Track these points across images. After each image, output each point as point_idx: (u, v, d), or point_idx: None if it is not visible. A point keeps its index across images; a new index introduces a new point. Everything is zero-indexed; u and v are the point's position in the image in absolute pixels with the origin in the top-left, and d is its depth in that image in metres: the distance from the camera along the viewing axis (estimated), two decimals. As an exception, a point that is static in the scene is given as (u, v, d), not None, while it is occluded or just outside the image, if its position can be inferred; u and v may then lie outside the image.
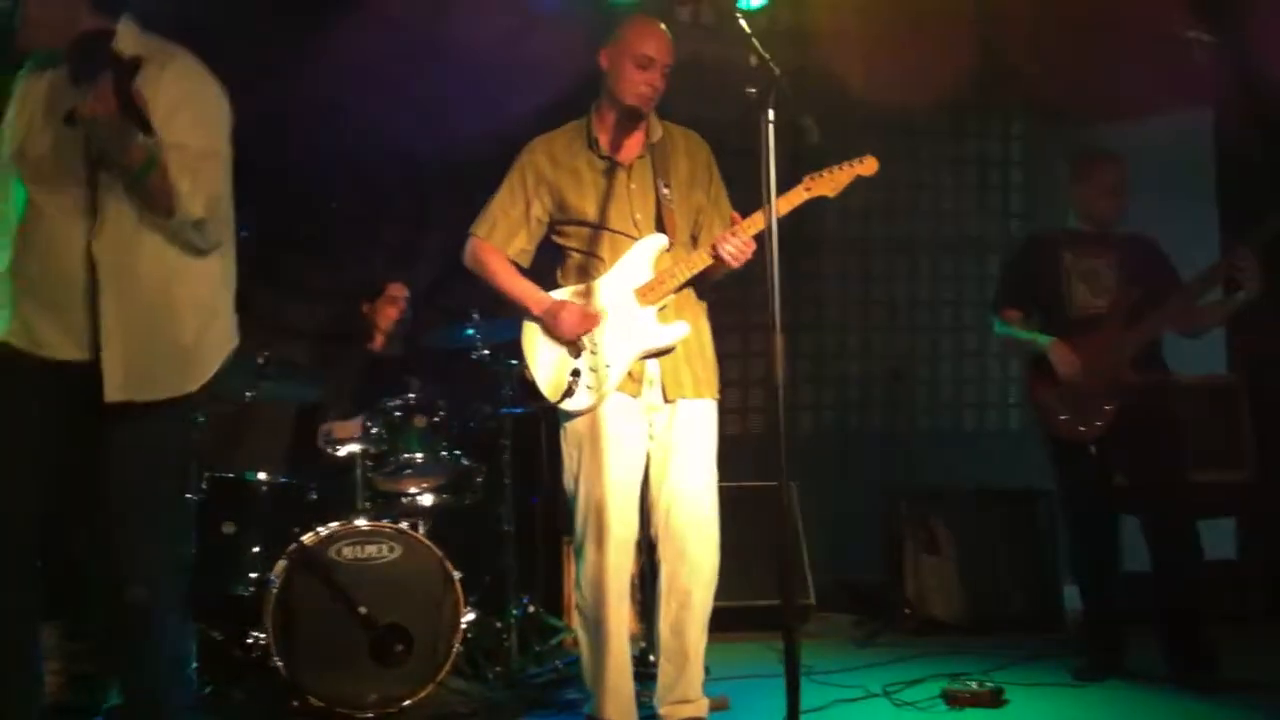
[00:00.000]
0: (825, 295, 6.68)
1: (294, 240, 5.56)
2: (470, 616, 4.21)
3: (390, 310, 5.34)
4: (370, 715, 3.93)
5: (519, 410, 4.70)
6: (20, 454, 2.70)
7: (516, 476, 4.77)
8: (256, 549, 4.29)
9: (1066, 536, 4.66)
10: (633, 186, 3.64)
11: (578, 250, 3.67)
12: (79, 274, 2.66)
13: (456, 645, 4.05)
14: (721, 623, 3.81)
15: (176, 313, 2.75)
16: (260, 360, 4.38)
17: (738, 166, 3.70)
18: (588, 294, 3.61)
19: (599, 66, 3.66)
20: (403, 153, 5.53)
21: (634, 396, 3.59)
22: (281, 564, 4.00)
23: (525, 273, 3.70)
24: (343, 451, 4.44)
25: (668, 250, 3.63)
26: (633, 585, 3.90)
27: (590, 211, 3.63)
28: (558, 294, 3.65)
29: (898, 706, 4.04)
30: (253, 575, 4.24)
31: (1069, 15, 5.68)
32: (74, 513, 2.83)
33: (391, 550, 4.10)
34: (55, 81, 2.73)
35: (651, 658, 3.83)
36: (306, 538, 4.04)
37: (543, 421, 4.82)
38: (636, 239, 3.62)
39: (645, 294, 3.59)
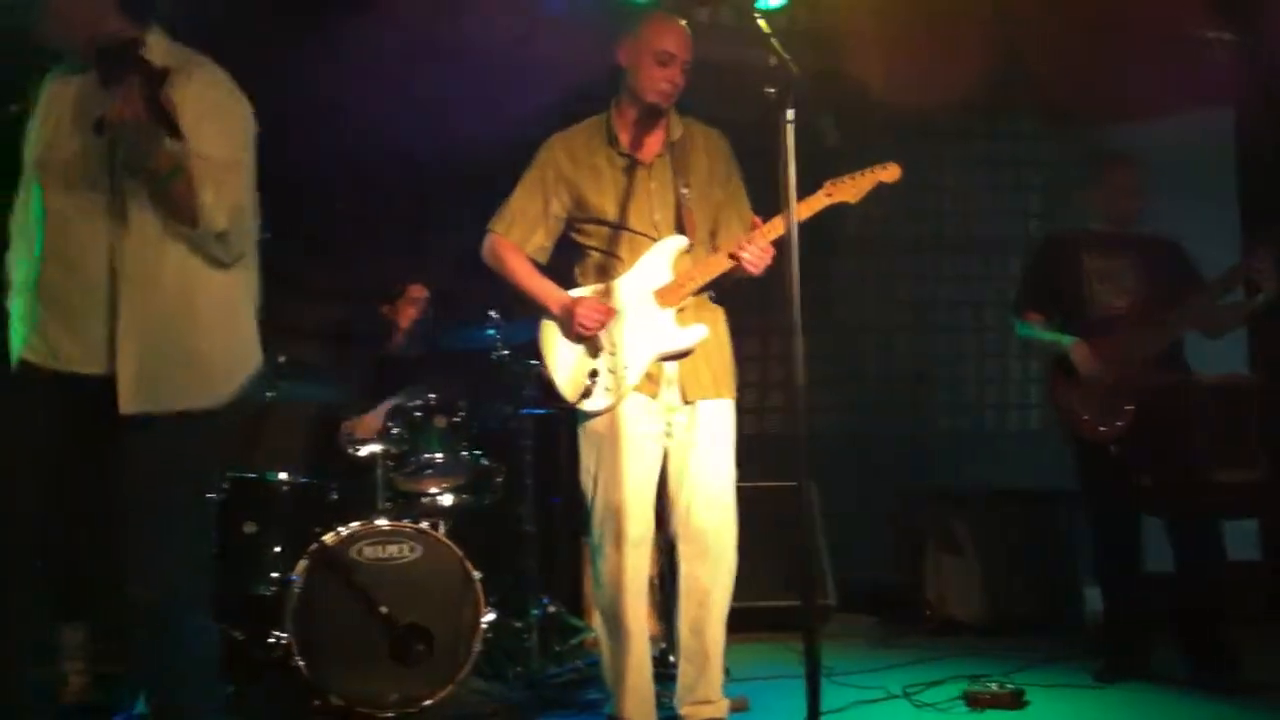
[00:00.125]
0: (844, 296, 6.67)
1: (312, 241, 5.57)
2: (491, 616, 4.22)
3: (410, 310, 5.36)
4: (391, 715, 3.94)
5: (540, 411, 4.71)
6: (28, 469, 2.68)
7: (537, 477, 4.79)
8: (278, 549, 4.31)
9: (1088, 537, 4.65)
10: (653, 185, 3.65)
11: (597, 249, 3.68)
12: (101, 283, 2.66)
13: (477, 645, 4.06)
14: (741, 623, 3.82)
15: (197, 323, 2.74)
16: (280, 361, 4.41)
17: (757, 168, 3.70)
18: (606, 294, 3.62)
19: (617, 63, 3.66)
20: (420, 153, 5.54)
21: (652, 397, 3.60)
22: (303, 564, 4.02)
23: (544, 271, 3.71)
24: (363, 451, 4.46)
25: (687, 251, 3.64)
26: (652, 586, 3.90)
27: (609, 210, 3.63)
28: (576, 293, 3.66)
29: (918, 708, 4.04)
30: (274, 575, 4.25)
31: (1088, 16, 5.66)
32: (95, 521, 2.83)
33: (412, 550, 4.11)
34: (83, 88, 2.72)
35: (671, 658, 3.83)
36: (327, 537, 4.06)
37: (563, 422, 4.82)
38: (656, 239, 3.63)
39: (664, 296, 3.59)
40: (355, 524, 4.12)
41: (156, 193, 2.65)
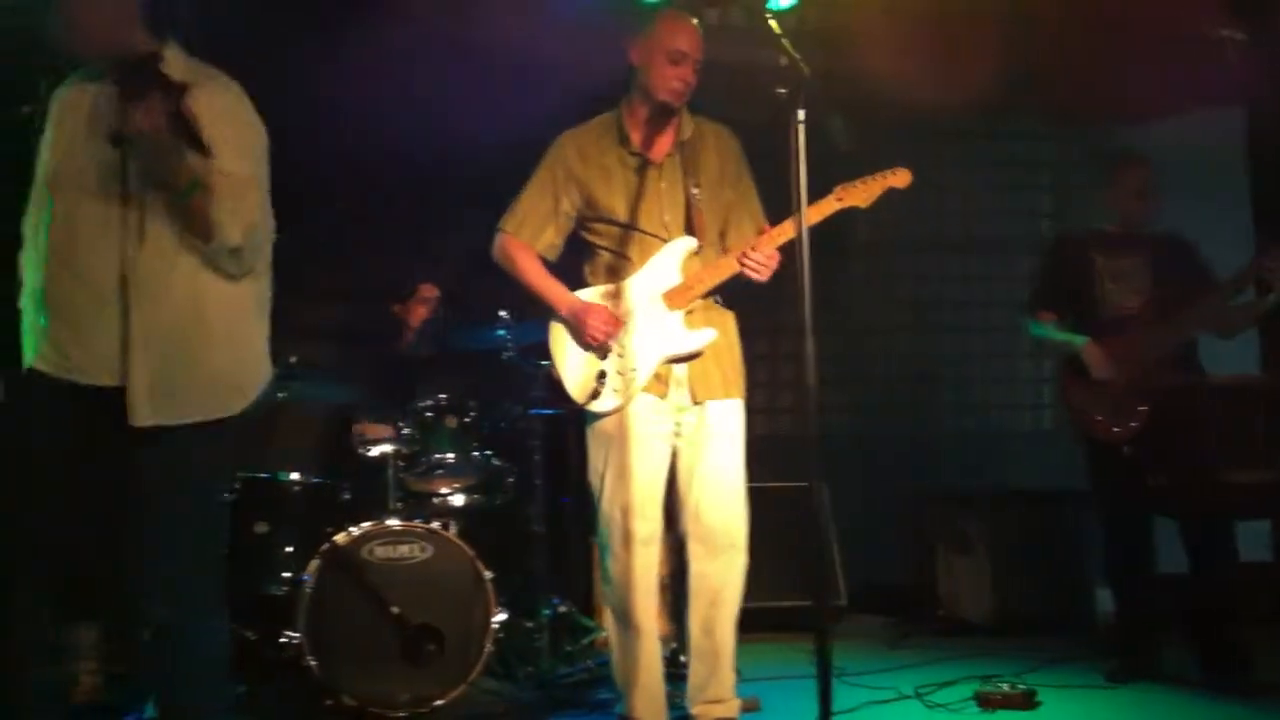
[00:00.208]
0: (853, 297, 6.66)
1: (323, 241, 5.58)
2: (502, 616, 4.23)
3: (421, 309, 5.36)
4: (402, 715, 3.94)
5: (550, 411, 4.72)
6: (35, 473, 2.68)
7: (547, 477, 4.79)
8: (289, 549, 4.31)
9: (1099, 538, 4.64)
10: (663, 185, 3.65)
11: (607, 249, 3.68)
12: (112, 294, 2.66)
13: (488, 645, 4.06)
14: (752, 624, 3.82)
15: (208, 336, 2.74)
16: (291, 361, 4.42)
17: (766, 169, 3.70)
18: (616, 295, 3.62)
19: (629, 62, 3.66)
20: (431, 153, 5.54)
21: (661, 397, 3.60)
22: (314, 564, 4.02)
23: (555, 267, 3.71)
24: (374, 452, 4.46)
25: (696, 253, 3.64)
26: (663, 585, 3.91)
27: (619, 210, 3.63)
28: (585, 293, 3.66)
29: (930, 708, 4.04)
30: (285, 575, 4.26)
31: (1099, 15, 5.65)
32: (105, 521, 2.83)
33: (423, 550, 4.11)
34: (98, 98, 2.72)
35: (682, 658, 3.83)
36: (339, 537, 4.06)
37: (573, 422, 4.83)
38: (665, 240, 3.63)
39: (673, 298, 3.59)
40: (367, 524, 4.13)
41: (174, 206, 2.66)
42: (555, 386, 3.69)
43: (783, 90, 2.87)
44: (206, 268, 2.73)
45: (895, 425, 6.55)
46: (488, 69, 5.26)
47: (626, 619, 3.57)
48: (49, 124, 2.77)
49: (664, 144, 3.67)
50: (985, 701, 3.99)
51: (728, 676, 3.63)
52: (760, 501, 3.72)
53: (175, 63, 2.70)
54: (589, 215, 3.68)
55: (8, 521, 2.70)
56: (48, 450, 2.70)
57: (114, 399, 2.66)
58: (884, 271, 6.73)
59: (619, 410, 3.57)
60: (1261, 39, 5.55)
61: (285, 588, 4.23)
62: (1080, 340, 4.44)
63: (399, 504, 4.35)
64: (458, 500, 4.61)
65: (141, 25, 2.71)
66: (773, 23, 2.97)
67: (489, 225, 3.77)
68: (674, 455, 3.64)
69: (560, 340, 3.67)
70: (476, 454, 4.59)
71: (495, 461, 4.65)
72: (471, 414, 4.59)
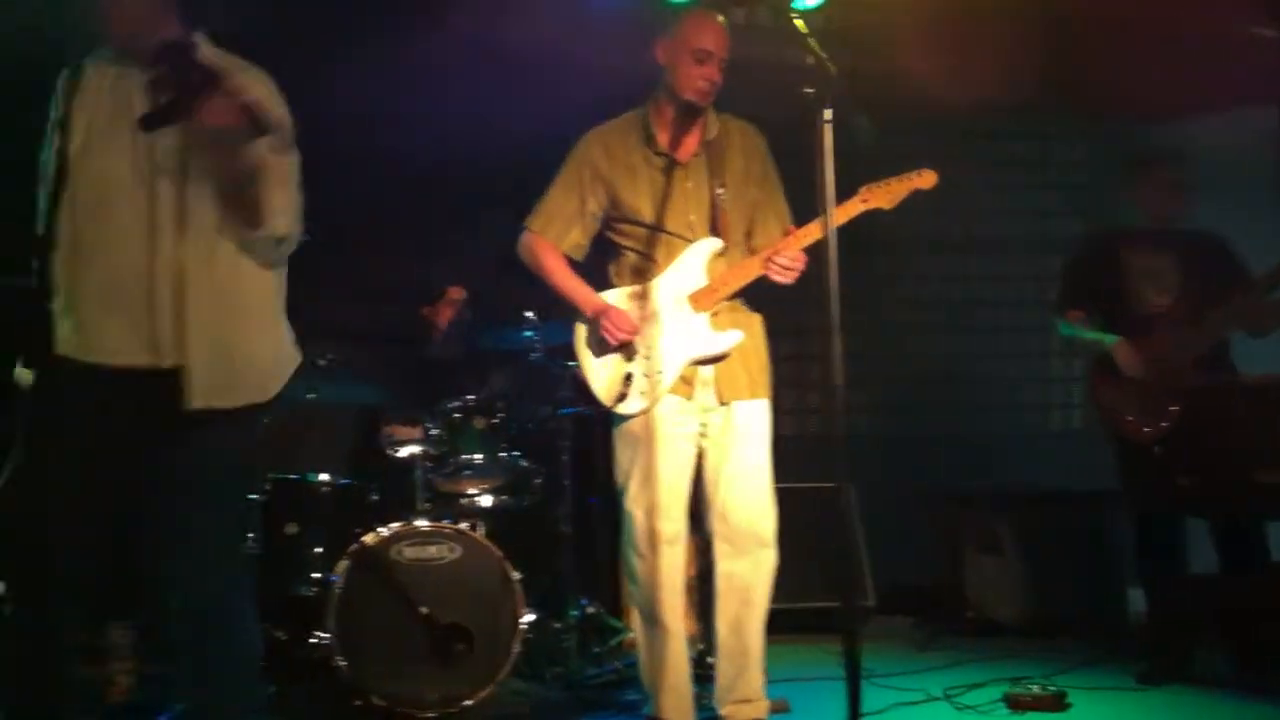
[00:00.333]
0: (881, 296, 6.63)
1: (351, 243, 5.60)
2: (530, 617, 4.24)
3: (448, 311, 5.38)
4: (432, 715, 3.96)
5: (577, 411, 4.72)
6: (65, 468, 2.66)
7: (575, 477, 4.79)
8: (319, 549, 4.33)
9: (1130, 538, 4.61)
10: (689, 185, 3.64)
11: (633, 250, 3.68)
12: (146, 278, 2.65)
13: (516, 646, 4.07)
14: (780, 625, 3.82)
15: (251, 321, 2.77)
16: (321, 362, 4.44)
17: (792, 168, 3.69)
18: (641, 296, 3.62)
19: (654, 61, 3.65)
20: (458, 154, 5.56)
21: (687, 398, 3.60)
22: (343, 564, 4.04)
23: (581, 268, 3.71)
24: (403, 453, 4.48)
25: (722, 254, 3.63)
26: (690, 586, 3.90)
27: (645, 210, 3.63)
28: (611, 294, 3.66)
29: (959, 710, 4.02)
30: (315, 575, 4.28)
31: (1131, 13, 5.61)
32: (139, 518, 2.84)
33: (452, 551, 4.12)
34: (120, 83, 2.71)
35: (710, 659, 3.83)
36: (368, 538, 4.08)
37: (600, 422, 4.83)
38: (691, 241, 3.62)
39: (699, 300, 3.59)
40: (395, 525, 4.14)
41: (226, 194, 2.66)
42: (582, 387, 3.70)
43: (809, 89, 2.86)
44: (244, 253, 2.74)
45: (924, 425, 6.51)
46: (515, 70, 5.27)
47: (653, 618, 3.57)
48: (61, 112, 2.72)
49: (690, 144, 3.67)
50: (1015, 704, 3.98)
51: (756, 676, 3.62)
52: (788, 502, 3.71)
53: (206, 52, 2.71)
54: (614, 215, 3.68)
55: (41, 520, 2.69)
56: (77, 442, 2.68)
57: (146, 381, 2.65)
58: (914, 271, 6.70)
59: (645, 412, 3.57)
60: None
61: (315, 588, 4.25)
62: (1111, 339, 4.41)
63: (427, 505, 4.37)
64: (486, 501, 4.62)
65: (174, 16, 2.72)
66: (799, 21, 2.96)
67: (515, 226, 3.78)
68: (700, 455, 3.64)
69: (586, 342, 3.68)
70: (504, 455, 4.60)
71: (523, 462, 4.66)
72: (499, 415, 4.60)
